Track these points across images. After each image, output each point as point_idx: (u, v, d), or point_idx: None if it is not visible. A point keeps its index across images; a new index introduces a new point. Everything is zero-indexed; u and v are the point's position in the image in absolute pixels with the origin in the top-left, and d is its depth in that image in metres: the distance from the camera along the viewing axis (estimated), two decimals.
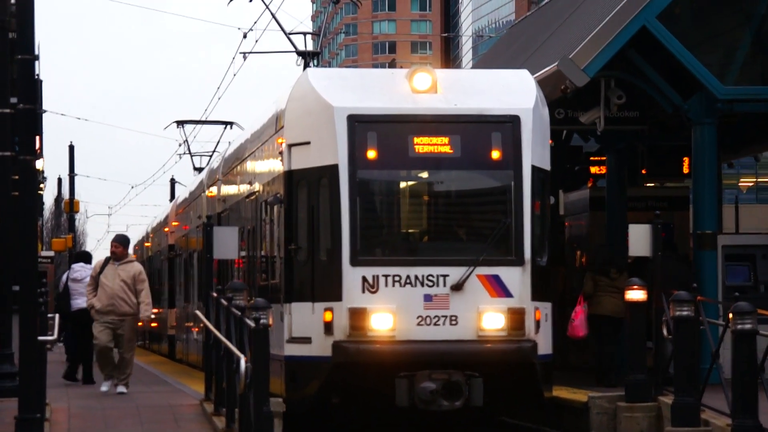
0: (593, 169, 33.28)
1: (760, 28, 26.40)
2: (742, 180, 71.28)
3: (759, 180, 74.02)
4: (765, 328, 19.37)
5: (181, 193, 48.89)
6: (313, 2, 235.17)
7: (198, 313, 28.90)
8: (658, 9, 25.10)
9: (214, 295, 25.57)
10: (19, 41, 16.71)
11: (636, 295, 21.51)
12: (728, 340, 19.52)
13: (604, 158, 31.74)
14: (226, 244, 28.56)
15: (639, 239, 22.27)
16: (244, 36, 42.44)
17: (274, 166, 22.45)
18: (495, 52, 48.91)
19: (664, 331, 21.24)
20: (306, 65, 32.59)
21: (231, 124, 50.02)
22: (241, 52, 42.08)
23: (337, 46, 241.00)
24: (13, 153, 16.76)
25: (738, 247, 27.59)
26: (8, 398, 18.53)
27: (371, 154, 20.57)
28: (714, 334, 21.27)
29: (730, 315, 19.26)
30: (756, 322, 18.89)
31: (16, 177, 16.65)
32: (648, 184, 33.18)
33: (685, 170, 29.06)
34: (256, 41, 41.15)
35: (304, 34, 36.84)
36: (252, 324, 17.67)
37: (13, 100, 16.99)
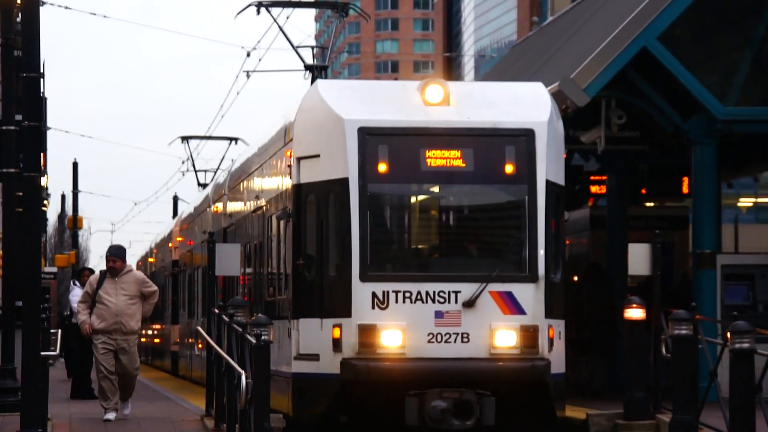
0: (593, 189, 33.33)
1: (760, 50, 26.45)
2: (741, 200, 71.11)
3: (758, 200, 73.95)
4: (763, 348, 19.41)
5: (186, 209, 48.46)
6: (317, 21, 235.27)
7: (199, 329, 28.90)
8: (658, 30, 25.19)
9: (216, 311, 25.64)
10: (25, 59, 16.74)
11: (635, 313, 21.43)
12: (726, 358, 19.55)
13: (605, 177, 31.85)
14: (229, 260, 28.56)
15: (639, 258, 22.25)
16: (248, 54, 42.56)
17: (282, 179, 21.92)
18: (497, 72, 48.94)
19: (663, 350, 21.16)
20: (314, 79, 31.42)
21: (236, 139, 50.09)
22: (244, 71, 42.10)
23: (340, 65, 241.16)
24: (18, 170, 16.82)
25: (737, 266, 27.62)
26: (11, 413, 18.54)
27: (382, 167, 20.10)
28: (712, 353, 21.28)
29: (729, 334, 19.32)
30: (754, 342, 18.89)
31: (21, 193, 16.71)
32: (648, 204, 33.29)
33: (685, 190, 29.12)
34: (260, 60, 40.99)
35: (312, 47, 36.57)
36: (253, 340, 17.68)
37: (18, 117, 17.04)
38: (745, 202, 73.32)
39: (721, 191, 30.31)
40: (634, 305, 21.58)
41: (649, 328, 22.00)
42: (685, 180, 28.66)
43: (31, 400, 15.73)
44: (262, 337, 17.71)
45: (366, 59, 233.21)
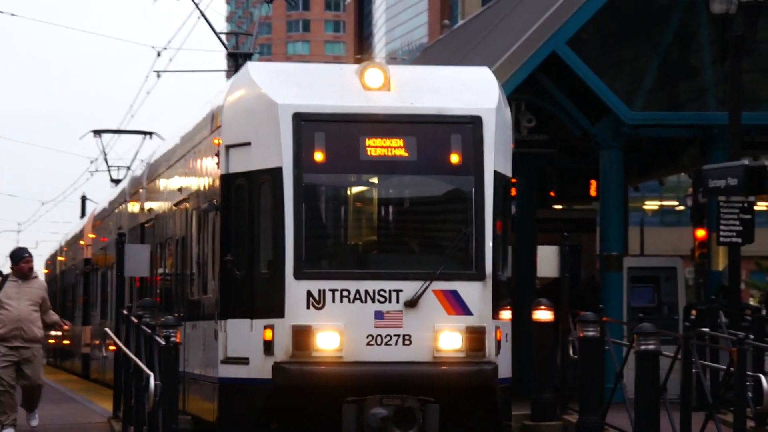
0: None
1: (666, 56, 26.72)
2: (647, 203, 71.89)
3: (663, 203, 74.75)
4: (668, 349, 19.67)
5: (100, 204, 47.02)
6: (228, 3, 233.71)
7: (107, 330, 28.57)
8: (567, 35, 25.37)
9: (125, 312, 25.42)
10: None
11: (543, 315, 21.39)
12: (632, 360, 19.80)
13: (514, 180, 32.00)
14: (138, 261, 28.33)
15: (547, 260, 22.20)
16: (158, 54, 42.40)
17: (209, 169, 20.67)
18: None
19: (570, 351, 21.18)
20: (237, 70, 29.83)
21: (150, 134, 49.41)
22: (155, 71, 41.71)
23: None
24: None
25: (643, 269, 27.92)
26: None
27: (319, 156, 18.76)
28: (618, 355, 21.46)
29: (634, 336, 19.55)
30: (659, 343, 19.15)
31: None
32: (556, 207, 33.42)
33: (593, 193, 29.27)
34: (171, 60, 40.74)
35: (236, 33, 35.25)
36: (162, 342, 17.63)
37: None
38: (651, 205, 74.35)
39: (627, 194, 30.60)
40: (542, 307, 21.54)
41: (557, 330, 22.07)
42: (593, 183, 28.81)
43: None
44: (171, 339, 17.66)
45: (277, 60, 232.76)
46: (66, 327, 24.73)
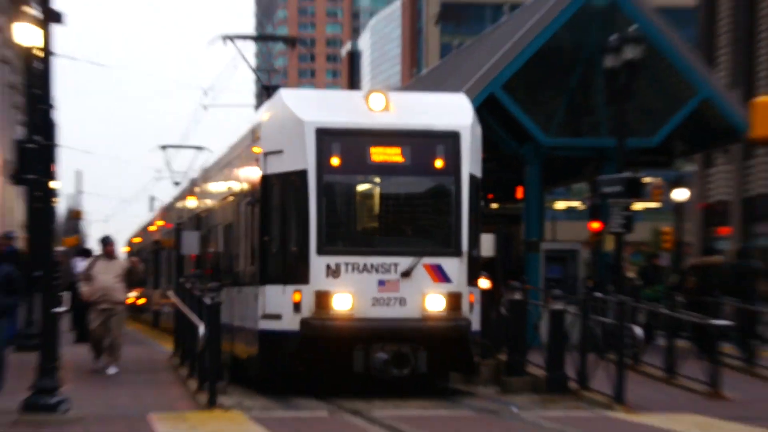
0: None
1: (572, 98, 26.81)
2: (557, 203, 72.18)
3: (570, 204, 75.09)
4: (571, 308, 19.76)
5: (165, 200, 46.98)
6: (256, 56, 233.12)
7: (170, 293, 28.48)
8: (502, 81, 25.45)
9: (182, 280, 25.30)
10: (41, 96, 16.58)
11: (483, 284, 21.22)
12: (546, 316, 19.89)
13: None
14: (190, 243, 28.29)
15: (487, 244, 21.99)
16: (205, 93, 42.36)
17: (251, 171, 19.97)
18: None
19: (503, 310, 21.16)
20: (268, 98, 28.98)
21: (202, 148, 49.47)
22: (202, 105, 41.52)
23: None
24: (37, 176, 16.59)
25: (554, 251, 28.02)
26: (33, 352, 18.33)
27: (335, 161, 18.29)
28: (536, 312, 21.60)
29: (548, 299, 19.61)
30: (565, 304, 19.28)
31: (39, 194, 16.52)
32: (493, 205, 33.47)
33: (519, 196, 29.29)
34: (206, 92, 40.06)
35: (269, 70, 35.33)
36: (208, 301, 17.62)
37: (37, 138, 16.83)
38: (561, 205, 74.86)
39: (544, 197, 30.68)
40: (483, 278, 21.57)
41: (493, 295, 22.09)
42: (519, 189, 28.84)
43: (48, 343, 15.61)
44: (215, 299, 17.62)
45: None
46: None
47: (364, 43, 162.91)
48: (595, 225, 26.17)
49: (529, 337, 20.88)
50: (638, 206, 25.89)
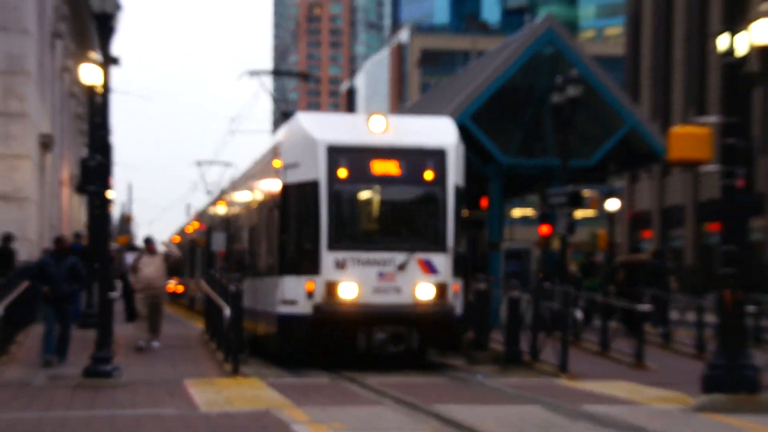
0: None
1: (526, 126, 26.81)
2: (515, 211, 72.15)
3: (525, 212, 75.09)
4: (525, 296, 19.80)
5: (199, 206, 46.46)
6: (271, 94, 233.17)
7: (202, 282, 28.42)
8: (470, 113, 25.39)
9: (211, 271, 25.24)
10: (100, 123, 16.58)
11: None
12: (505, 303, 19.86)
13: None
14: (219, 241, 28.35)
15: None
16: (231, 120, 42.36)
17: (272, 181, 19.41)
18: None
19: (471, 297, 20.99)
20: (284, 121, 28.04)
21: (230, 164, 49.47)
22: (230, 130, 41.45)
23: None
24: (97, 188, 16.68)
25: (512, 250, 28.05)
26: (92, 329, 18.33)
27: (342, 173, 17.79)
28: (497, 299, 21.57)
29: (507, 288, 19.58)
30: (520, 293, 19.32)
31: (98, 202, 16.59)
32: (463, 213, 33.37)
33: (484, 205, 29.28)
34: (233, 120, 40.33)
35: (286, 100, 34.96)
36: (232, 289, 17.60)
37: (97, 157, 16.89)
38: (517, 212, 74.85)
39: (503, 206, 30.69)
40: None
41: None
42: (484, 199, 28.79)
43: (104, 322, 15.63)
44: (237, 288, 17.42)
45: None
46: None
47: (360, 82, 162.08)
48: (545, 229, 26.20)
49: (491, 319, 20.84)
50: (579, 214, 25.80)
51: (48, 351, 17.18)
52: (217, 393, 14.00)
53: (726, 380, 13.35)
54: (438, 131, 18.76)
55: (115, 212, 77.05)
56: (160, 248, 23.61)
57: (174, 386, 14.73)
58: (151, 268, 20.83)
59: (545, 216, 26.27)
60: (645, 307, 20.02)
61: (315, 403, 13.02)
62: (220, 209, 30.83)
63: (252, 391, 14.26)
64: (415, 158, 18.13)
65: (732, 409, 12.97)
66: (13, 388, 14.58)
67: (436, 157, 18.07)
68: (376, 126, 18.27)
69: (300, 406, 12.62)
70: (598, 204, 45.78)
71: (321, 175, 17.67)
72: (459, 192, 18.41)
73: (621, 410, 12.94)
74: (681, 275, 34.49)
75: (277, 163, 18.93)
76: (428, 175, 18.08)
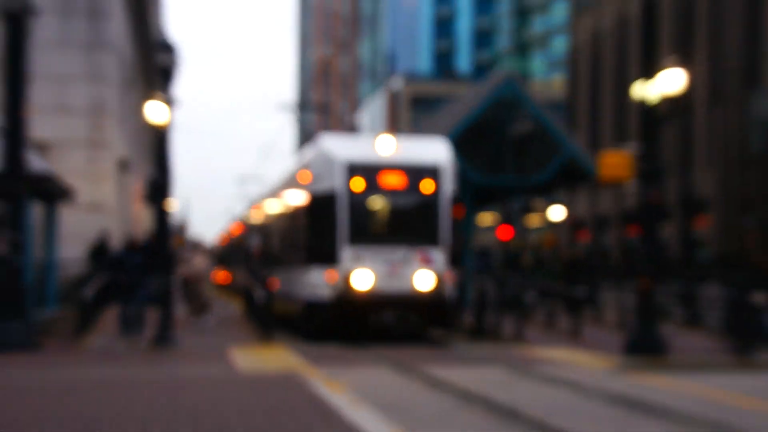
0: None
1: (495, 151, 26.56)
2: (482, 217, 72.05)
3: (485, 218, 74.94)
4: (491, 284, 19.71)
5: (239, 213, 45.58)
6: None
7: (243, 272, 28.21)
8: (451, 138, 25.05)
9: (248, 264, 25.11)
10: (162, 151, 16.56)
11: None
12: (475, 290, 19.70)
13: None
14: (254, 240, 28.09)
15: None
16: (262, 148, 41.83)
17: (301, 190, 18.57)
18: None
19: None
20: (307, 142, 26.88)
21: (264, 178, 49.22)
22: (262, 150, 40.76)
23: None
24: (160, 201, 16.57)
25: (481, 248, 27.85)
26: (158, 310, 18.22)
27: (356, 185, 17.17)
28: (470, 286, 21.46)
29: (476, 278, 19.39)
30: (486, 282, 19.16)
31: (161, 211, 16.48)
32: (454, 215, 32.56)
33: (458, 215, 28.89)
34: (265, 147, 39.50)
35: (306, 132, 34.26)
36: (264, 276, 17.50)
37: (160, 177, 16.75)
38: (485, 219, 74.93)
39: (475, 215, 30.48)
40: None
41: None
42: (458, 209, 28.44)
43: (166, 304, 15.49)
44: (268, 276, 17.49)
45: None
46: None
47: (363, 118, 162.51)
48: (504, 232, 26.10)
49: (465, 301, 20.70)
50: (532, 220, 25.77)
51: (124, 326, 17.11)
52: (253, 357, 13.96)
53: (641, 346, 13.84)
54: (434, 151, 18.10)
55: (174, 219, 76.93)
56: (204, 248, 23.47)
57: (221, 352, 14.65)
58: (198, 260, 20.73)
59: (505, 221, 26.16)
60: (581, 292, 19.99)
61: (329, 366, 12.99)
62: (257, 214, 30.29)
63: (280, 357, 14.20)
64: (416, 173, 17.54)
65: (645, 367, 13.40)
66: (99, 353, 14.60)
67: (433, 172, 17.52)
68: (385, 147, 17.70)
69: (317, 368, 12.59)
70: (546, 212, 45.69)
71: (338, 187, 17.10)
72: (451, 199, 17.80)
73: (563, 370, 12.97)
74: (608, 269, 34.55)
75: (305, 176, 18.38)
76: (427, 186, 17.52)
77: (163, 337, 15.10)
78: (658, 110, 14.74)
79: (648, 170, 14.25)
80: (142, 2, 30.65)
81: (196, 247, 21.28)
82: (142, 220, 38.45)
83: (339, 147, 18.02)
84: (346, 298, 16.78)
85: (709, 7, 41.26)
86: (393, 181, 17.58)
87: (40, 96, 20.54)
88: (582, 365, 13.79)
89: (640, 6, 19.06)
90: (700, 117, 40.59)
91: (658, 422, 8.73)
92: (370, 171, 17.47)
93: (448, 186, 17.81)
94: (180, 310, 23.05)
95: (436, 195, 17.56)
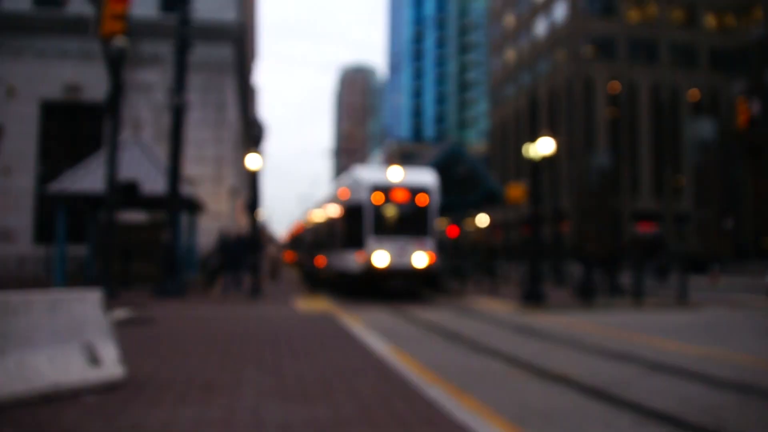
0: None
1: (447, 183, 23.43)
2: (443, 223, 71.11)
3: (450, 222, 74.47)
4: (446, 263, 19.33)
5: (296, 220, 44.94)
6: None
7: (301, 253, 27.65)
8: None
9: (304, 249, 25.22)
10: (253, 183, 17.05)
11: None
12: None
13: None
14: (308, 234, 26.56)
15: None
16: (311, 182, 40.51)
17: (338, 205, 17.68)
18: None
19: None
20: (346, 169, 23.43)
21: (313, 196, 48.52)
22: (312, 180, 39.57)
23: None
24: (252, 210, 16.77)
25: (440, 240, 25.03)
26: (251, 278, 18.00)
27: (376, 198, 16.24)
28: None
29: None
30: (466, 261, 19.04)
31: (252, 216, 16.86)
32: (438, 219, 27.79)
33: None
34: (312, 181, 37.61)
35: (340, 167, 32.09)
36: (311, 255, 17.83)
37: (253, 198, 16.94)
38: (444, 224, 73.17)
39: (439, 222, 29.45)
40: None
41: None
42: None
43: (255, 273, 16.16)
44: (313, 255, 17.57)
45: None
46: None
47: (370, 161, 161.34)
48: (453, 230, 26.48)
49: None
50: (469, 224, 25.67)
51: (229, 284, 17.88)
52: (306, 303, 14.17)
53: (531, 296, 15.24)
54: (426, 177, 17.19)
55: (261, 222, 75.10)
56: (275, 240, 23.65)
57: (288, 299, 15.49)
58: (271, 249, 21.36)
59: (453, 224, 26.83)
60: (496, 266, 20.56)
61: (351, 310, 13.94)
62: (311, 218, 28.82)
63: (323, 304, 14.26)
64: (414, 191, 16.68)
65: (533, 309, 14.56)
66: (216, 300, 15.45)
67: (425, 190, 16.71)
68: (395, 174, 16.96)
69: (344, 310, 13.66)
70: (478, 219, 46.37)
71: (364, 201, 16.33)
72: (437, 209, 17.39)
73: (486, 311, 14.15)
74: (513, 252, 36.90)
75: (343, 192, 17.64)
76: (421, 199, 16.70)
77: (255, 290, 15.96)
78: (539, 162, 16.54)
79: (534, 195, 16.02)
80: (245, 99, 32.84)
81: (270, 240, 22.00)
82: (243, 223, 39.96)
83: (365, 174, 17.43)
84: (369, 271, 16.10)
85: (566, 102, 46.23)
86: (400, 196, 16.93)
87: (188, 151, 23.28)
88: (497, 309, 14.83)
89: (528, 104, 20.04)
90: (563, 166, 45.68)
91: (541, 341, 10.17)
92: (385, 189, 16.79)
93: (435, 199, 17.16)
94: (264, 275, 24.31)
95: (427, 205, 16.89)
